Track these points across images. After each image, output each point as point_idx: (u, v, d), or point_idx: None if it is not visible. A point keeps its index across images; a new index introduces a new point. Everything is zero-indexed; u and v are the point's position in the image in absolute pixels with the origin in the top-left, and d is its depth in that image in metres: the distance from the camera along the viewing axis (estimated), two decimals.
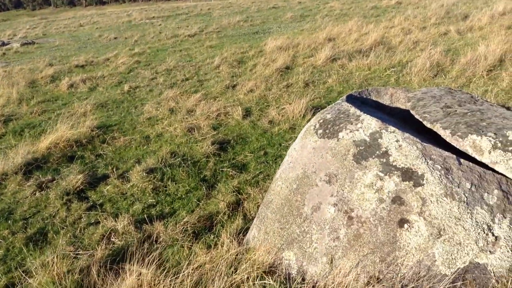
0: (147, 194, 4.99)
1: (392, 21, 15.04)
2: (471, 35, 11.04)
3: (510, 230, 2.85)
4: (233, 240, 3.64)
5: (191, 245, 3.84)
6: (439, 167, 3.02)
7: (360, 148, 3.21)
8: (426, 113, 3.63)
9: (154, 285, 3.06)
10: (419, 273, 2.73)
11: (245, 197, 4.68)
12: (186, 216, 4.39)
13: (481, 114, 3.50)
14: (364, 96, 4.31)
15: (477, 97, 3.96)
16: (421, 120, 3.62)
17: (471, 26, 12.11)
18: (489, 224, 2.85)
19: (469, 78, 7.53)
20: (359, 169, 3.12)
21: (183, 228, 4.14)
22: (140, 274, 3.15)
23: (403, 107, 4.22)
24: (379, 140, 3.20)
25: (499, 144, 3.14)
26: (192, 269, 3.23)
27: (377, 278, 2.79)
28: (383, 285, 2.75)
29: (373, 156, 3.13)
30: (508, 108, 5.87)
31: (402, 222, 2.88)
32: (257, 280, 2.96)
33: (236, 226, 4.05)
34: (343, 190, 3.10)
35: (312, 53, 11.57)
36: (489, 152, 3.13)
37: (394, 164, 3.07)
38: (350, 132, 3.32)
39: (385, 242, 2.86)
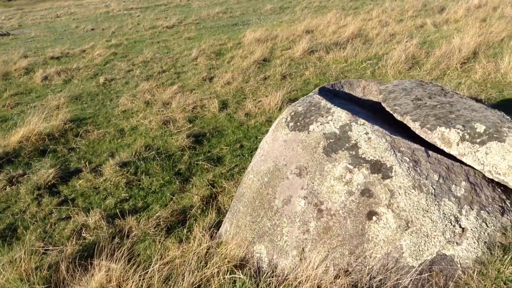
0: (120, 188, 4.93)
1: (370, 13, 15.10)
2: (447, 27, 11.15)
3: (477, 221, 2.89)
4: (205, 234, 3.62)
5: (163, 240, 3.81)
6: (408, 159, 3.04)
7: (330, 140, 3.21)
8: (396, 106, 3.65)
9: (123, 280, 3.02)
10: (387, 265, 2.75)
11: (219, 191, 4.65)
12: (160, 210, 4.36)
13: (450, 107, 3.53)
14: (337, 89, 4.32)
15: (448, 89, 4.00)
16: (391, 112, 3.63)
17: (447, 18, 12.23)
18: (456, 216, 2.89)
19: (443, 71, 7.61)
20: (329, 161, 3.12)
21: (156, 222, 4.10)
22: (109, 269, 3.10)
23: (375, 99, 4.24)
24: (349, 132, 3.20)
25: (467, 136, 3.17)
26: (162, 264, 3.20)
27: (346, 271, 2.81)
28: (352, 278, 2.76)
29: (343, 149, 3.14)
30: (480, 101, 5.95)
31: (370, 214, 2.89)
32: (227, 274, 2.95)
33: (210, 220, 4.03)
34: (313, 183, 3.10)
35: (290, 45, 11.54)
36: (457, 144, 3.16)
37: (363, 156, 3.08)
38: (321, 124, 3.31)
39: (354, 235, 2.87)
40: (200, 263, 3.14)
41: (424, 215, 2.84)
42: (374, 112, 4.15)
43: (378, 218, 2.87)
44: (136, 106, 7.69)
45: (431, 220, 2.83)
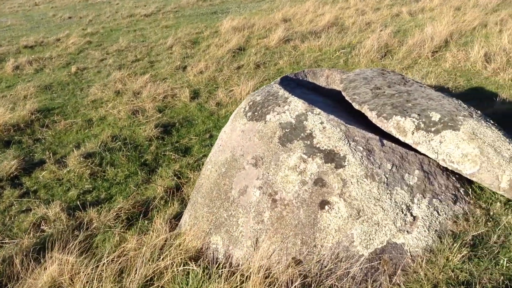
0: (84, 179, 4.87)
1: (348, 2, 15.06)
2: (422, 16, 11.19)
3: (429, 210, 2.91)
4: (164, 226, 3.59)
5: (122, 232, 3.77)
6: (361, 149, 3.04)
7: (286, 130, 3.19)
8: (356, 95, 3.65)
9: (75, 273, 2.98)
10: (337, 254, 2.76)
11: (184, 182, 4.62)
12: (122, 202, 4.31)
13: (408, 95, 3.53)
14: (300, 78, 4.29)
15: (408, 78, 4.00)
16: (350, 101, 3.63)
17: (422, 7, 12.26)
18: (408, 204, 2.90)
19: (415, 60, 7.64)
20: (284, 151, 3.11)
21: (116, 214, 4.05)
22: (62, 262, 3.06)
23: (338, 88, 4.23)
24: (305, 122, 3.19)
25: (422, 125, 3.18)
26: (117, 256, 3.17)
27: (298, 260, 2.81)
28: (303, 267, 2.76)
29: (298, 139, 3.12)
30: (447, 90, 5.99)
31: (323, 203, 2.89)
32: (181, 266, 2.93)
33: (172, 212, 4.01)
34: (268, 173, 3.09)
35: (267, 34, 11.47)
36: (412, 133, 3.17)
37: (317, 146, 3.07)
38: (277, 114, 3.29)
39: (307, 224, 2.87)
40: (156, 255, 3.11)
41: (375, 204, 2.85)
42: (338, 102, 4.14)
43: (330, 207, 2.87)
44: (106, 95, 7.58)
45: (383, 208, 2.84)
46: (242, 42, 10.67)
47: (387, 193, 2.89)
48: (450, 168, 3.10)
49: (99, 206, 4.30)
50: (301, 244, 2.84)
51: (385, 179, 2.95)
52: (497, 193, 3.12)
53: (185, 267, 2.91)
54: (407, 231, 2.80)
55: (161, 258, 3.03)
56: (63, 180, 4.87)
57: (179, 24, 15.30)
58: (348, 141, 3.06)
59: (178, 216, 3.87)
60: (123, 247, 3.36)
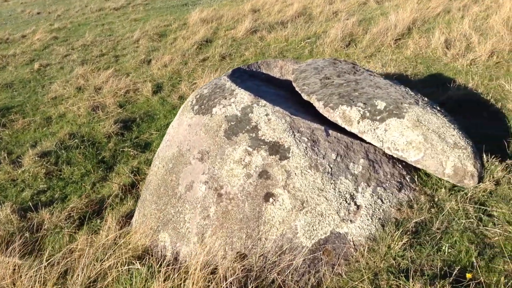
0: (39, 179, 4.77)
1: None
2: (388, 4, 11.22)
3: (373, 198, 2.91)
4: (116, 224, 3.53)
5: (73, 232, 3.70)
6: (306, 139, 3.03)
7: (232, 123, 3.16)
8: (305, 85, 3.63)
9: (17, 277, 2.91)
10: (282, 246, 2.75)
11: (141, 178, 4.56)
12: (76, 201, 4.22)
13: (356, 84, 3.53)
14: (254, 69, 4.26)
15: (359, 67, 4.00)
16: (300, 92, 3.61)
17: None
18: (352, 194, 2.90)
19: (378, 48, 7.66)
20: (230, 145, 3.07)
21: (69, 214, 3.98)
22: (3, 266, 2.98)
23: (291, 79, 4.20)
24: (250, 114, 3.16)
25: (368, 114, 3.18)
26: (63, 257, 3.11)
27: (243, 254, 2.79)
28: (248, 261, 2.74)
29: (243, 131, 3.09)
30: (406, 76, 6.02)
31: (267, 196, 2.87)
32: (126, 265, 2.88)
33: (126, 209, 3.95)
34: (214, 167, 3.05)
35: (235, 25, 11.37)
36: (358, 122, 3.17)
37: (262, 138, 3.04)
38: (223, 107, 3.25)
39: (251, 218, 2.85)
40: (101, 255, 3.06)
41: (319, 194, 2.84)
42: (291, 93, 4.12)
43: (274, 200, 2.85)
44: (67, 92, 7.43)
45: (326, 199, 2.83)
46: (209, 34, 10.57)
47: (331, 183, 2.89)
48: (395, 156, 3.11)
49: (52, 206, 4.21)
50: (246, 237, 2.82)
51: (330, 169, 2.94)
52: (442, 179, 3.14)
53: (129, 267, 2.86)
54: (351, 220, 2.80)
55: (106, 258, 2.98)
56: (17, 181, 4.76)
57: (148, 17, 15.08)
58: (293, 132, 3.04)
59: (131, 214, 3.82)
60: (71, 247, 3.29)
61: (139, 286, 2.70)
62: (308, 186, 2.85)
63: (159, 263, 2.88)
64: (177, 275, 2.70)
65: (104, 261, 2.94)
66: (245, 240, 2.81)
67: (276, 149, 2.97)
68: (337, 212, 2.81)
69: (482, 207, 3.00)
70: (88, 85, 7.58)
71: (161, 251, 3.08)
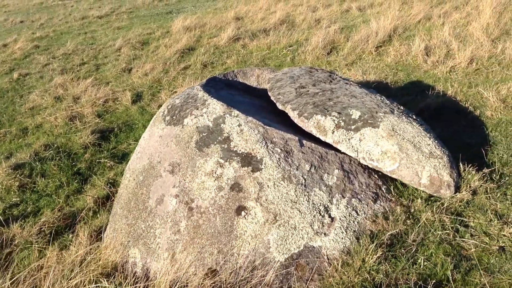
0: (12, 192, 4.64)
1: None
2: (370, 11, 11.26)
3: (347, 210, 2.85)
4: (88, 239, 3.43)
5: (44, 247, 3.58)
6: (279, 150, 2.96)
7: (203, 134, 3.08)
8: (280, 95, 3.57)
9: None
10: (254, 262, 2.67)
11: (117, 190, 4.45)
12: (49, 215, 4.11)
13: (331, 94, 3.48)
14: (230, 78, 4.19)
15: (336, 75, 3.95)
16: (275, 101, 3.55)
17: (372, 2, 12.34)
18: (326, 206, 2.84)
19: (359, 55, 7.66)
20: (201, 156, 2.99)
21: (40, 228, 3.86)
22: None
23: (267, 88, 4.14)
24: (222, 125, 3.08)
25: (342, 123, 3.13)
26: (30, 274, 2.99)
27: (214, 270, 2.70)
28: (220, 277, 2.66)
29: (215, 142, 3.02)
30: (386, 84, 6.00)
31: (239, 209, 2.80)
32: (93, 283, 2.78)
33: (99, 223, 3.85)
34: (184, 180, 2.97)
35: (218, 33, 11.32)
36: (333, 132, 3.12)
37: (235, 149, 2.97)
38: (195, 118, 3.18)
39: (223, 232, 2.77)
40: (70, 272, 2.95)
41: (292, 206, 2.77)
42: (268, 102, 4.06)
43: (246, 213, 2.78)
44: (45, 102, 7.29)
45: (300, 211, 2.77)
46: (192, 42, 10.50)
47: (305, 195, 2.82)
48: (370, 166, 3.06)
49: (24, 220, 4.09)
50: (218, 253, 2.74)
51: (303, 181, 2.88)
52: (419, 189, 3.10)
53: (97, 285, 2.76)
54: (324, 234, 2.74)
55: (73, 275, 2.87)
56: None
57: (132, 25, 14.98)
58: (266, 143, 2.97)
59: (104, 228, 3.71)
60: (40, 264, 3.18)
61: None
62: (281, 199, 2.78)
63: (128, 280, 2.78)
64: None
65: (71, 279, 2.83)
66: (216, 255, 2.72)
67: (249, 161, 2.90)
68: (311, 225, 2.74)
69: (459, 218, 2.95)
70: (67, 95, 7.46)
71: (132, 268, 2.98)
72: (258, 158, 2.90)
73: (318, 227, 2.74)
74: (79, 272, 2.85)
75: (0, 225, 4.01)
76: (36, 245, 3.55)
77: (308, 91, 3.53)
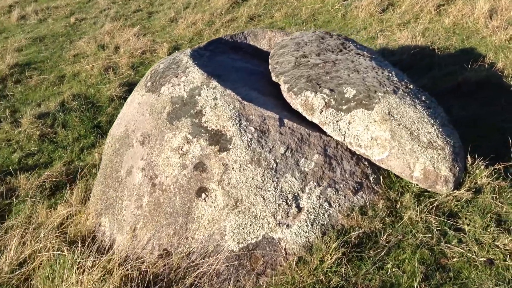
0: (32, 141, 4.78)
1: None
2: None
3: (319, 200, 2.59)
4: (76, 200, 3.45)
5: (42, 202, 3.66)
6: (253, 130, 2.71)
7: (176, 106, 2.89)
8: (278, 64, 3.26)
9: None
10: (207, 248, 2.51)
11: None
12: (58, 168, 4.19)
13: (332, 66, 3.12)
14: (238, 40, 3.91)
15: (350, 44, 3.54)
16: (271, 71, 3.25)
17: None
18: (296, 194, 2.59)
19: (417, 14, 6.91)
20: (170, 130, 2.82)
21: (44, 181, 3.95)
22: None
23: None
24: (197, 97, 2.86)
25: (333, 102, 2.80)
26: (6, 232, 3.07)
27: (169, 252, 2.59)
28: (172, 260, 2.54)
29: (186, 116, 2.82)
30: (432, 50, 5.38)
31: (200, 191, 2.62)
32: (55, 250, 2.77)
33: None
34: (152, 153, 2.83)
35: None
36: (320, 112, 2.81)
37: (205, 125, 2.76)
38: (172, 86, 2.98)
39: (181, 213, 2.62)
40: (37, 234, 2.98)
41: (256, 193, 2.55)
42: None
43: (207, 196, 2.60)
44: (89, 49, 7.39)
45: (264, 199, 2.54)
46: None
47: (273, 181, 2.58)
48: (357, 153, 2.74)
49: (34, 171, 4.20)
50: (173, 234, 2.61)
51: (274, 165, 2.63)
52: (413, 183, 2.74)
53: (59, 252, 2.75)
54: (287, 225, 2.51)
55: (42, 238, 2.89)
56: (12, 141, 4.80)
57: None
58: (240, 120, 2.73)
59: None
60: (33, 219, 3.25)
61: (60, 276, 2.59)
62: (245, 183, 2.57)
63: (90, 250, 2.74)
64: (102, 268, 2.55)
65: (36, 242, 2.86)
66: (172, 237, 2.60)
67: (217, 139, 2.69)
68: (274, 215, 2.51)
69: (451, 219, 2.59)
70: (111, 43, 7.50)
71: (101, 236, 2.96)
72: (228, 136, 2.68)
73: (282, 217, 2.51)
74: (47, 236, 2.86)
75: (10, 174, 4.15)
76: (30, 200, 3.63)
77: (309, 61, 3.19)
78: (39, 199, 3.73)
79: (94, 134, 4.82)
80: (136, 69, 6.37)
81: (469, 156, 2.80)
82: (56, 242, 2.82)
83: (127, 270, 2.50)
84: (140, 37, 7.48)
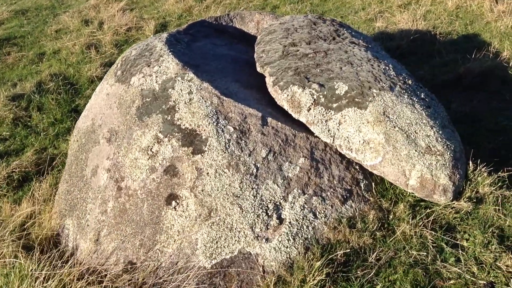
0: (5, 125, 4.47)
1: None
2: None
3: (303, 211, 2.32)
4: (42, 195, 3.17)
5: (7, 196, 3.39)
6: (231, 129, 2.42)
7: (147, 100, 2.58)
8: (264, 52, 2.95)
9: None
10: (177, 263, 2.25)
11: None
12: (25, 157, 3.89)
13: (323, 57, 2.80)
14: (224, 23, 3.58)
15: (344, 31, 3.21)
16: (256, 61, 2.94)
17: None
18: (278, 203, 2.31)
19: None
20: (139, 127, 2.52)
21: (12, 171, 3.66)
22: None
23: None
24: (170, 90, 2.56)
25: (322, 100, 2.51)
26: None
27: (134, 265, 2.33)
28: (138, 274, 2.28)
29: (158, 112, 2.52)
30: (434, 36, 5.05)
31: (170, 198, 2.34)
32: (12, 257, 2.51)
33: None
34: (119, 153, 2.54)
35: None
36: (308, 110, 2.51)
37: (178, 123, 2.46)
38: (143, 77, 2.67)
39: (148, 222, 2.35)
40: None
41: (233, 202, 2.28)
42: None
43: (178, 204, 2.32)
44: (72, 24, 6.99)
45: (241, 208, 2.27)
46: None
47: (252, 188, 2.31)
48: (347, 157, 2.46)
49: (3, 159, 3.91)
50: (140, 246, 2.34)
51: (255, 170, 2.35)
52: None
53: (16, 260, 2.49)
54: (267, 239, 2.24)
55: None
56: None
57: None
58: (217, 118, 2.43)
59: None
60: None
61: (15, 285, 2.33)
62: (220, 191, 2.29)
63: (52, 256, 2.47)
64: (57, 282, 2.29)
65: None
66: (138, 248, 2.33)
67: (191, 140, 2.40)
68: (252, 227, 2.24)
69: (448, 234, 2.33)
70: (95, 18, 7.10)
71: (65, 240, 2.69)
72: (203, 137, 2.39)
73: (261, 229, 2.24)
74: (3, 240, 2.59)
75: None
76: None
77: (298, 50, 2.87)
78: (6, 192, 3.45)
79: (70, 118, 4.51)
80: (120, 47, 6.01)
81: (470, 162, 2.53)
82: (12, 247, 2.55)
83: (87, 283, 2.24)
84: (126, 12, 7.07)
